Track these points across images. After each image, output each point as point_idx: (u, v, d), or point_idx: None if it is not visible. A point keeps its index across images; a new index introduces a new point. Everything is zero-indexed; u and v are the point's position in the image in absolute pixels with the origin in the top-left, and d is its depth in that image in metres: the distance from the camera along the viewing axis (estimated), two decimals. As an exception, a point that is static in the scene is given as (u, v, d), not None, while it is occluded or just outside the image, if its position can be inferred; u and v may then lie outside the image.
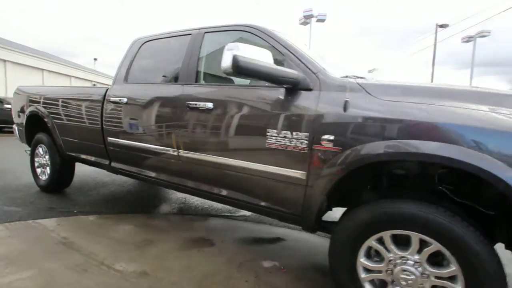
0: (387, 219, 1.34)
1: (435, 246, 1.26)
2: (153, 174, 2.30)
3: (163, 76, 2.37)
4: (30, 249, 2.06)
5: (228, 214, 3.01)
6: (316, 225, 1.62)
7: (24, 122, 3.38)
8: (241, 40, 1.97)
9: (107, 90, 2.58)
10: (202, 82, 2.11)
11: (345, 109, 1.43)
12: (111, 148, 2.53)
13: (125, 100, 2.37)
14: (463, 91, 1.39)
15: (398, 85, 1.46)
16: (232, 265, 2.00)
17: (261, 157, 1.68)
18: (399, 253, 1.35)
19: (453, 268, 1.24)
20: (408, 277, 1.33)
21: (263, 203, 1.77)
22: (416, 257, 1.32)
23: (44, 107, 3.10)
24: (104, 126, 2.54)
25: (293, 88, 1.60)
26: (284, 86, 1.61)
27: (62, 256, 2.00)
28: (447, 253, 1.24)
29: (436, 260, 1.32)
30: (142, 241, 2.28)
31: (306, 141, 1.52)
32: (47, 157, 3.26)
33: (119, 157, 2.51)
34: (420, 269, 1.32)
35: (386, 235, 1.36)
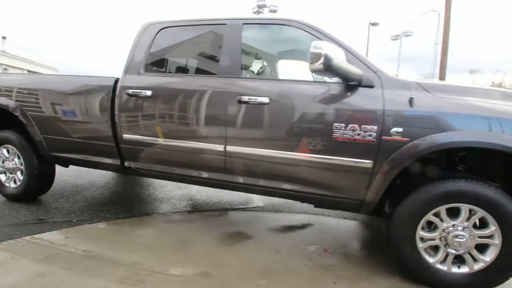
0: (446, 196, 1.63)
1: (481, 213, 1.61)
2: (187, 172, 2.17)
3: (195, 67, 2.21)
4: (53, 270, 1.75)
5: (243, 207, 3.03)
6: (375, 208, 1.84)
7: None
8: (284, 35, 2.00)
9: (116, 81, 2.28)
10: (247, 75, 2.07)
11: (411, 104, 1.65)
12: (128, 146, 2.27)
13: (149, 92, 2.13)
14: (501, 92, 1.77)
15: (447, 85, 1.76)
16: (281, 253, 2.08)
17: (327, 150, 1.79)
18: (452, 222, 1.68)
19: (493, 228, 1.61)
20: (461, 240, 1.66)
21: (322, 192, 1.89)
22: (465, 223, 1.66)
23: (16, 99, 2.53)
24: (117, 122, 2.25)
25: (358, 84, 1.75)
26: (350, 83, 1.74)
27: (101, 270, 1.77)
28: (489, 217, 1.60)
29: (474, 224, 1.68)
30: (178, 242, 2.16)
31: (374, 133, 1.70)
32: (16, 160, 2.69)
33: (140, 156, 2.27)
34: (467, 232, 1.66)
35: (443, 208, 1.66)
